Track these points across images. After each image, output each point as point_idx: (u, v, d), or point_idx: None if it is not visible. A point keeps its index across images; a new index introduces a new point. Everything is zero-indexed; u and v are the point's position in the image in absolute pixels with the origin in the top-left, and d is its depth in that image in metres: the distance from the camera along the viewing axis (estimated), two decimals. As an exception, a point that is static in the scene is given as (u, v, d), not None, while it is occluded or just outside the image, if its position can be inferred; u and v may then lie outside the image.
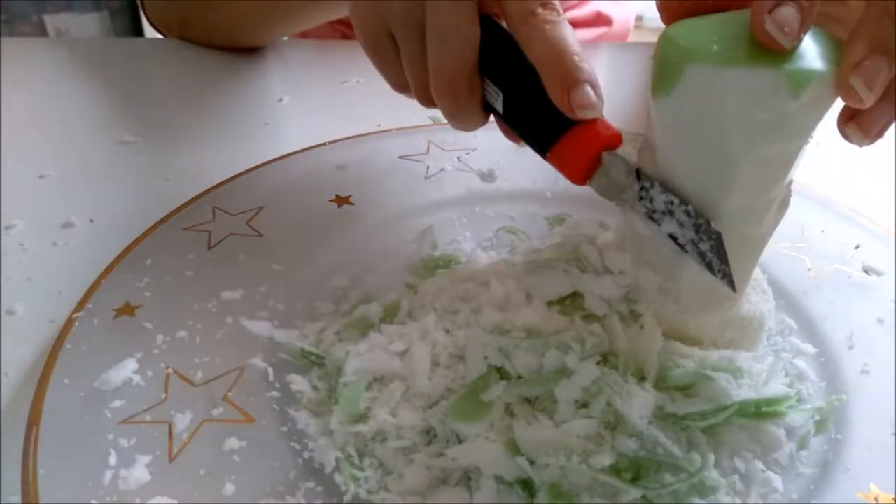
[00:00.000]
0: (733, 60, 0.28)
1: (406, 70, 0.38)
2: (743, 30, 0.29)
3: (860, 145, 0.31)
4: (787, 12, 0.27)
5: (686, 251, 0.32)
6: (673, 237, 0.32)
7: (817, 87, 0.29)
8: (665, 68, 0.30)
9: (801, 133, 0.31)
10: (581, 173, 0.34)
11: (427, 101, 0.39)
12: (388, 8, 0.37)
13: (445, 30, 0.35)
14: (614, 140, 0.33)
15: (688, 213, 0.32)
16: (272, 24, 0.70)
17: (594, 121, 0.33)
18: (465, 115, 0.37)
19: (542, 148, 0.34)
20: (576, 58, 0.33)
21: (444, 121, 0.37)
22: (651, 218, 0.33)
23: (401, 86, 0.41)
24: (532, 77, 0.33)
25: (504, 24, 0.36)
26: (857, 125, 0.30)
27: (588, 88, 0.32)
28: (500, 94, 0.35)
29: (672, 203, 0.32)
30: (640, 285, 0.36)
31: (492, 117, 0.38)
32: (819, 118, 0.30)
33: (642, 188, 0.32)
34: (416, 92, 0.39)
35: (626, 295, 0.36)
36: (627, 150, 0.34)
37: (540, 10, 0.34)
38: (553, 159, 0.34)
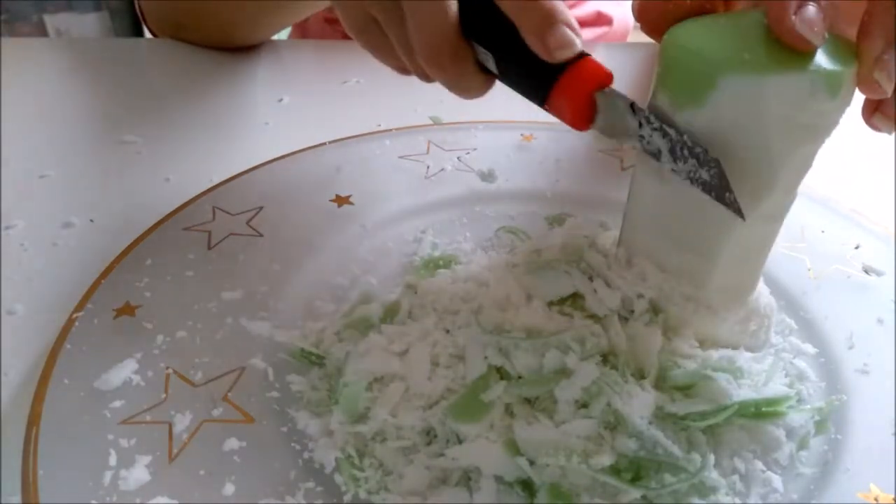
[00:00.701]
0: (769, 68, 0.29)
1: (399, 52, 0.38)
2: (754, 32, 0.29)
3: (889, 132, 0.32)
4: (812, 12, 0.28)
5: (692, 183, 0.32)
6: (675, 171, 0.32)
7: (849, 84, 0.30)
8: (694, 80, 0.30)
9: (831, 130, 0.31)
10: (581, 117, 0.33)
11: (427, 78, 0.38)
12: None
13: (419, 6, 0.34)
14: (604, 78, 0.32)
15: (686, 145, 0.31)
16: (264, 20, 0.70)
17: (582, 63, 0.32)
18: (461, 82, 0.37)
19: (540, 100, 0.34)
20: (545, 2, 0.32)
21: (445, 121, 0.37)
22: (651, 154, 0.32)
23: (400, 67, 0.40)
24: (515, 33, 0.33)
25: None
26: (884, 114, 0.31)
27: (563, 28, 0.31)
28: (490, 55, 0.35)
29: (669, 135, 0.31)
30: (665, 292, 0.36)
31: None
32: (844, 113, 0.31)
33: (639, 123, 0.32)
34: (413, 70, 0.39)
35: (649, 302, 0.36)
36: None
37: None
38: (552, 109, 0.34)
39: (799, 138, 0.31)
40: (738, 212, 0.31)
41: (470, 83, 0.37)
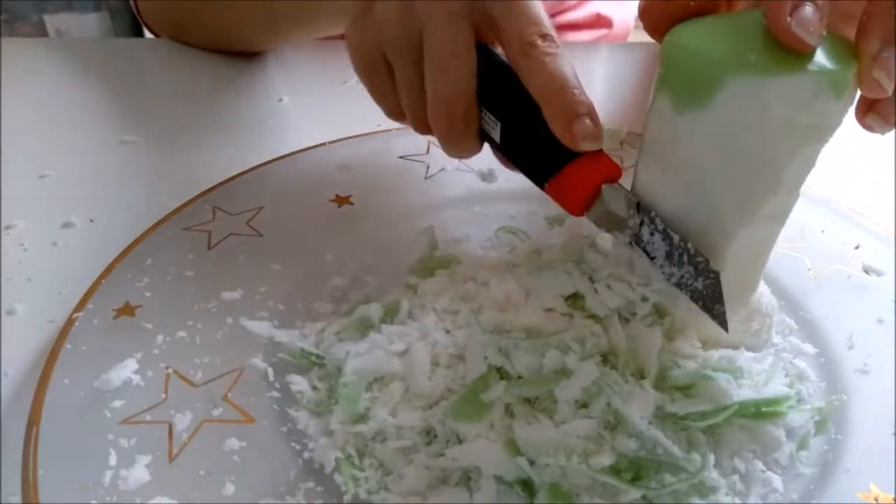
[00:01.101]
0: (773, 69, 0.29)
1: (402, 97, 0.38)
2: (756, 33, 0.29)
3: (882, 133, 0.32)
4: (809, 12, 0.28)
5: (680, 289, 0.33)
6: (666, 275, 0.33)
7: (852, 84, 0.30)
8: (697, 82, 0.30)
9: (834, 130, 0.31)
10: (581, 205, 0.34)
11: (423, 128, 0.39)
12: (384, 33, 0.37)
13: (443, 56, 0.35)
14: (614, 172, 0.33)
15: (687, 252, 0.32)
16: (263, 34, 0.70)
17: (595, 153, 0.33)
18: (460, 143, 0.37)
19: (541, 178, 0.35)
20: (576, 91, 0.33)
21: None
22: (646, 252, 0.33)
23: (396, 114, 0.41)
24: (531, 108, 0.34)
25: (500, 52, 0.36)
26: (878, 114, 0.31)
27: (588, 121, 0.32)
28: (498, 124, 0.35)
29: (671, 239, 0.32)
30: (670, 294, 0.36)
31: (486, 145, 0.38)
32: (847, 112, 0.31)
33: (642, 222, 0.32)
34: (411, 119, 0.39)
35: (653, 305, 0.36)
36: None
37: (539, 42, 0.34)
38: (551, 190, 0.34)
39: (802, 139, 0.31)
40: (724, 325, 0.32)
41: (466, 146, 0.37)
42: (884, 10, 0.29)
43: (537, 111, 0.33)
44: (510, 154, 0.36)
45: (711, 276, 0.31)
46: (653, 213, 0.32)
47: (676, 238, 0.32)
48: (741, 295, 0.37)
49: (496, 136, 0.36)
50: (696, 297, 0.32)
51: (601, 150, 0.34)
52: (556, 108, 0.33)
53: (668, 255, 0.32)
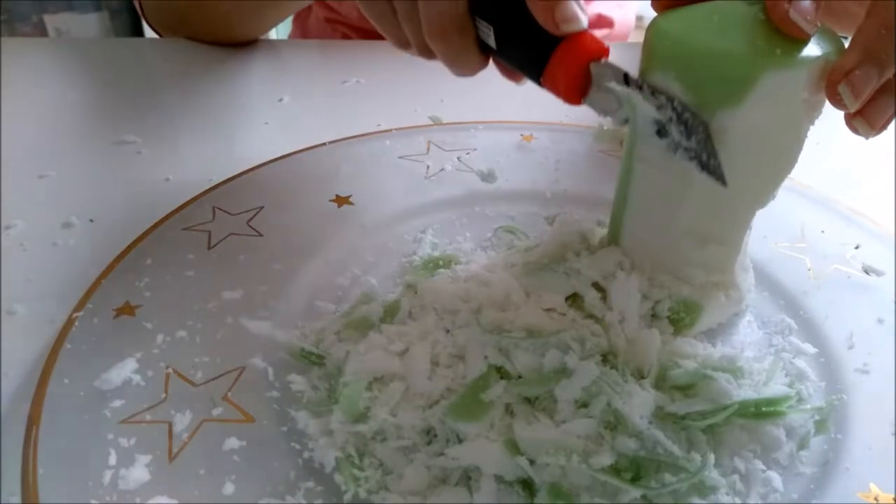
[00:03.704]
0: (798, 60, 0.30)
1: (403, 23, 0.39)
2: (747, 23, 0.30)
3: (866, 137, 0.32)
4: (806, 2, 0.29)
5: (680, 155, 0.32)
6: (660, 134, 0.33)
7: None
8: (730, 82, 0.31)
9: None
10: (574, 90, 0.34)
11: (426, 53, 0.40)
12: None
13: None
14: (601, 51, 0.33)
15: (676, 110, 0.31)
16: (266, 11, 0.70)
17: (579, 36, 0.33)
18: (461, 57, 0.38)
19: (536, 73, 0.35)
20: None
21: (445, 121, 0.37)
22: (643, 124, 0.33)
23: (402, 42, 0.42)
24: (518, 4, 0.34)
25: None
26: (864, 118, 0.32)
27: (571, 3, 0.33)
28: (491, 29, 0.36)
29: (662, 102, 0.32)
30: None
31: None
32: None
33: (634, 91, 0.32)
34: (414, 44, 0.40)
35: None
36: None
37: None
38: (547, 83, 0.34)
39: (811, 116, 0.33)
40: (721, 178, 0.31)
41: (469, 59, 0.38)
42: (873, 27, 0.30)
43: (523, 6, 0.34)
44: (507, 57, 0.37)
45: (701, 128, 0.31)
46: (641, 82, 0.32)
47: (664, 98, 0.32)
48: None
49: (492, 42, 0.36)
50: (691, 155, 0.32)
51: (586, 33, 0.33)
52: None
53: (658, 121, 0.32)
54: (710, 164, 0.31)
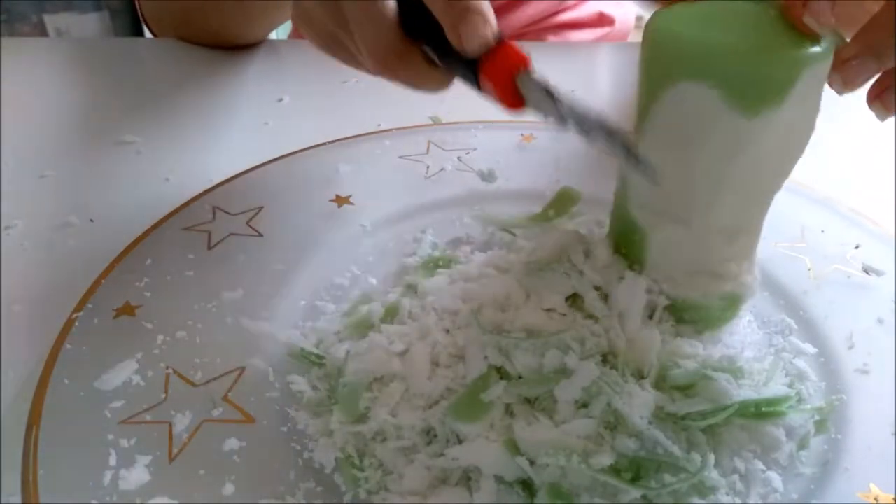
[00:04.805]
0: (824, 52, 0.30)
1: (357, 57, 0.40)
2: (760, 19, 0.31)
3: (881, 119, 0.33)
4: (821, 4, 0.29)
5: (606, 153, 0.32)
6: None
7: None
8: (778, 81, 0.30)
9: None
10: (511, 100, 0.33)
11: (385, 77, 0.40)
12: (313, 15, 0.39)
13: (357, 17, 0.36)
14: (519, 63, 0.33)
15: (598, 119, 0.31)
16: (265, 17, 0.70)
17: (500, 49, 0.33)
18: (414, 79, 0.38)
19: (475, 87, 0.35)
20: None
21: (445, 120, 0.38)
22: (575, 126, 0.32)
23: (362, 69, 0.42)
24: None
25: None
26: (881, 101, 0.33)
27: (475, 19, 0.32)
28: (433, 51, 0.36)
29: (581, 115, 0.32)
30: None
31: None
32: None
33: (556, 101, 0.32)
34: (372, 73, 0.40)
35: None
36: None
37: None
38: (486, 95, 0.35)
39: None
40: (653, 177, 0.31)
41: (425, 80, 0.38)
42: (880, 24, 0.31)
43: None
44: (452, 73, 0.37)
45: (623, 134, 0.31)
46: (561, 93, 0.32)
47: (584, 110, 0.31)
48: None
49: (437, 60, 0.37)
50: (621, 157, 0.32)
51: (505, 44, 0.33)
52: (445, 17, 0.33)
53: (581, 124, 0.32)
54: (639, 165, 0.31)
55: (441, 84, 0.39)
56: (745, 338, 0.40)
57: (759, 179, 0.34)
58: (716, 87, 0.30)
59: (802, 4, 0.29)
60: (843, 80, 0.31)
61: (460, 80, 0.37)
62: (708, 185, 0.33)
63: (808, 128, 0.33)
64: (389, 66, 0.37)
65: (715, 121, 0.31)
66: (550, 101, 0.32)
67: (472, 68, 0.34)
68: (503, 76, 0.33)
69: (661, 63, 0.32)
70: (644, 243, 0.36)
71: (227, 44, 0.73)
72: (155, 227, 0.44)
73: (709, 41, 0.30)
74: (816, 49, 0.30)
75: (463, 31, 0.32)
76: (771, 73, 0.30)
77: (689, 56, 0.31)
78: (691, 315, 0.37)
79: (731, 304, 0.37)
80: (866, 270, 0.46)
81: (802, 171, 0.35)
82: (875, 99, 0.33)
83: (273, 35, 0.78)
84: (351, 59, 0.41)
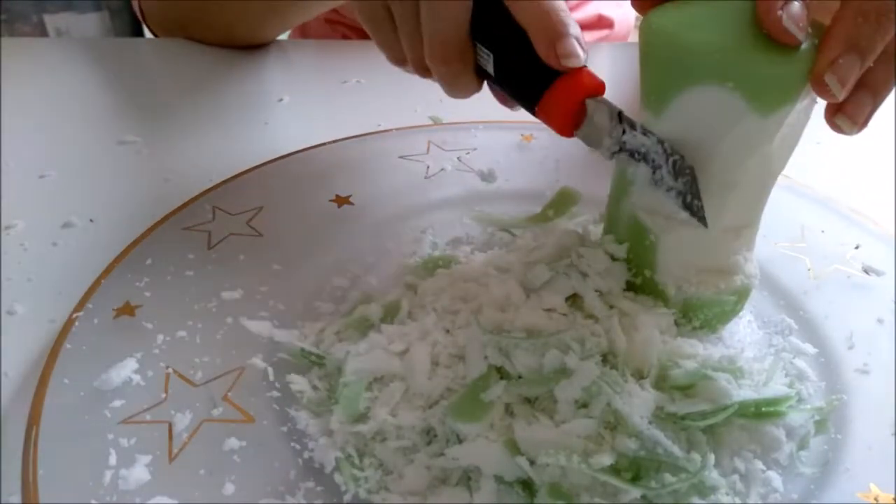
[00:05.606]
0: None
1: (403, 42, 0.40)
2: (746, 21, 0.30)
3: (850, 134, 0.32)
4: (797, 7, 0.29)
5: (665, 192, 0.33)
6: (654, 179, 0.34)
7: None
8: (796, 79, 0.31)
9: None
10: (568, 123, 0.35)
11: (423, 71, 0.40)
12: None
13: (436, 6, 0.36)
14: (598, 88, 0.34)
15: (665, 151, 0.32)
16: (270, 19, 0.70)
17: (578, 72, 0.34)
18: (458, 80, 0.39)
19: (531, 103, 0.35)
20: (561, 13, 0.34)
21: (445, 120, 0.38)
22: (632, 157, 0.34)
23: (399, 59, 0.42)
24: (519, 35, 0.35)
25: None
26: (846, 115, 0.31)
27: (572, 39, 0.34)
28: (491, 56, 0.37)
29: (650, 144, 0.33)
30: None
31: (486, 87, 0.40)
32: None
33: (624, 130, 0.33)
34: (412, 63, 0.41)
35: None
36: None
37: None
38: (541, 113, 0.35)
39: None
40: (703, 220, 0.33)
41: (465, 83, 0.39)
42: (849, 17, 0.30)
43: (525, 38, 0.35)
44: (504, 84, 0.38)
45: (687, 172, 0.32)
46: (634, 122, 0.33)
47: (654, 139, 0.33)
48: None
49: (490, 68, 0.37)
50: (676, 195, 0.33)
51: (584, 68, 0.34)
52: (540, 30, 0.34)
53: (647, 159, 0.33)
54: (693, 206, 0.32)
55: (474, 90, 0.40)
56: (745, 338, 0.41)
57: (766, 175, 0.35)
58: (738, 89, 0.31)
59: (780, 6, 0.29)
60: (839, 80, 0.30)
61: (507, 90, 0.37)
62: (722, 185, 0.34)
63: (805, 120, 0.34)
64: (447, 59, 0.37)
65: (734, 122, 0.31)
66: (617, 128, 0.33)
67: (538, 84, 0.35)
68: (574, 98, 0.34)
69: (674, 67, 0.32)
70: (654, 247, 0.36)
71: (236, 43, 0.73)
72: (155, 226, 0.44)
73: (725, 44, 0.30)
74: (815, 43, 0.30)
75: (561, 48, 0.33)
76: (789, 70, 0.30)
77: (707, 59, 0.31)
78: (704, 313, 0.37)
79: (742, 296, 0.37)
80: (866, 270, 0.46)
81: (802, 171, 0.36)
82: (838, 113, 0.31)
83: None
84: (391, 42, 0.41)
